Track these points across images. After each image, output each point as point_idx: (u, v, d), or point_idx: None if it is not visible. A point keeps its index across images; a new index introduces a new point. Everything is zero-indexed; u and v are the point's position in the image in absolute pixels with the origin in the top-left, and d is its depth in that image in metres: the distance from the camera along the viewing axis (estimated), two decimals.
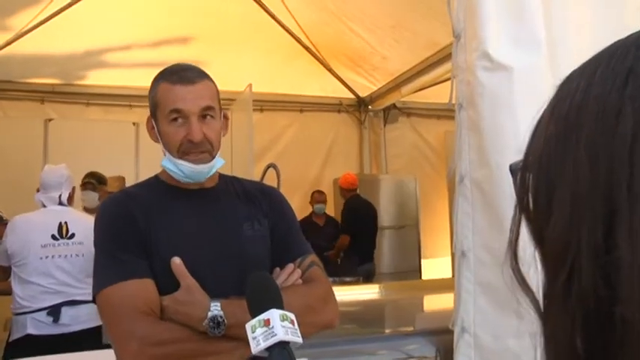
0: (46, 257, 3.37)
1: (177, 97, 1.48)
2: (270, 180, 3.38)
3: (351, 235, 6.21)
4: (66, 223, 3.46)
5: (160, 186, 1.59)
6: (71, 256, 3.42)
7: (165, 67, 1.57)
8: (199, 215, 1.55)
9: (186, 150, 1.49)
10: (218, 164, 1.56)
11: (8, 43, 5.49)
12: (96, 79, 6.38)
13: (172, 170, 1.52)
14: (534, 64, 1.81)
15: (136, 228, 1.47)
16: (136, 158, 6.22)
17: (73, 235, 3.45)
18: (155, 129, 1.55)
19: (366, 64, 6.59)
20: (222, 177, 1.66)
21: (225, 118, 1.62)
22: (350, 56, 6.52)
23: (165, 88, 1.50)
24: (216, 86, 1.57)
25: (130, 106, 6.47)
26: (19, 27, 5.43)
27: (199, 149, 1.50)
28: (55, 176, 3.59)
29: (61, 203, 3.55)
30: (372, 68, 6.67)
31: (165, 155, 1.55)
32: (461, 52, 1.95)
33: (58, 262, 3.38)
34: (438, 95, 6.27)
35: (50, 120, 6.17)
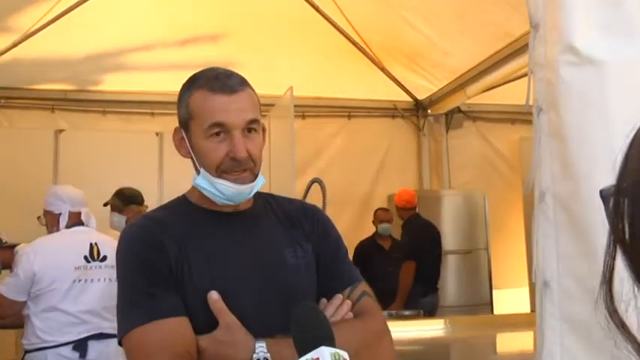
0: (79, 281, 3.54)
1: (219, 109, 1.50)
2: (315, 197, 3.38)
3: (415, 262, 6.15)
4: (96, 244, 3.65)
5: (189, 208, 1.61)
6: (104, 280, 3.59)
7: (198, 71, 1.59)
8: (235, 242, 1.56)
9: (227, 168, 1.51)
10: (260, 183, 1.58)
11: (14, 45, 5.63)
12: (113, 84, 6.51)
13: (209, 191, 1.54)
14: (633, 57, 1.77)
15: (166, 258, 1.48)
16: (160, 173, 6.31)
17: (105, 258, 3.64)
18: (186, 142, 1.57)
19: (424, 61, 6.57)
20: (258, 196, 1.67)
21: (263, 130, 1.64)
22: (406, 52, 6.51)
23: (204, 97, 1.52)
24: (257, 96, 1.60)
25: (152, 114, 6.60)
26: (26, 27, 5.57)
27: (242, 167, 1.52)
28: (78, 193, 3.81)
29: (81, 223, 3.74)
30: (431, 66, 6.63)
31: (198, 173, 1.56)
32: (539, 44, 1.92)
33: (89, 286, 3.55)
34: (511, 96, 6.18)
35: (61, 131, 6.32)
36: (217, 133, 1.50)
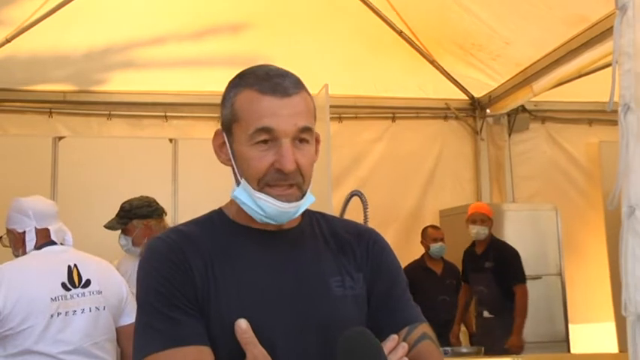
0: (58, 315, 3.30)
1: (268, 112, 1.50)
2: (354, 212, 3.36)
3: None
4: (75, 266, 3.43)
5: (224, 224, 1.62)
6: (90, 310, 3.38)
7: (249, 67, 1.60)
8: (273, 266, 1.56)
9: (271, 181, 1.52)
10: (307, 203, 1.59)
11: (7, 41, 5.71)
12: (120, 83, 6.58)
13: (248, 206, 1.55)
14: None
15: (192, 279, 1.50)
16: (174, 186, 6.33)
17: (88, 283, 3.41)
18: (227, 147, 1.58)
19: (481, 51, 6.52)
20: (306, 213, 1.68)
21: (317, 141, 1.64)
22: (460, 42, 6.48)
23: (252, 98, 1.53)
24: (313, 101, 1.61)
25: (165, 117, 6.64)
26: (21, 20, 5.65)
27: (288, 182, 1.52)
28: (46, 205, 3.63)
29: (53, 242, 3.53)
30: (490, 57, 6.59)
31: (238, 184, 1.57)
32: (627, 29, 1.89)
33: (72, 320, 3.33)
34: (589, 92, 6.13)
35: (61, 138, 6.37)
36: (264, 141, 1.51)
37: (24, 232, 3.52)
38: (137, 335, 1.51)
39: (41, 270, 3.41)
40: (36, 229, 3.52)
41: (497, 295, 6.17)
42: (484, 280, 6.31)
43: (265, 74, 1.54)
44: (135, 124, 6.79)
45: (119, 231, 4.43)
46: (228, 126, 1.57)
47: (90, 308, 3.38)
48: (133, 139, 6.62)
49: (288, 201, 1.52)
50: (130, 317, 3.44)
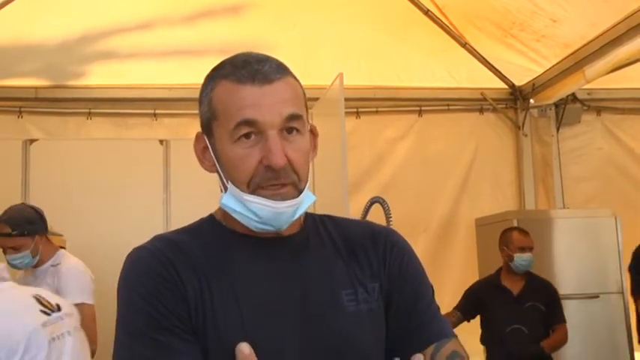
0: (56, 338, 3.42)
1: (248, 102, 1.50)
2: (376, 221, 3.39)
3: None
4: (38, 294, 3.54)
5: (216, 232, 1.62)
6: (75, 330, 3.54)
7: (227, 58, 1.59)
8: (277, 279, 1.56)
9: (263, 182, 1.51)
10: (307, 202, 1.58)
11: None
12: (101, 77, 6.61)
13: (239, 213, 1.54)
14: None
15: (184, 295, 1.49)
16: (166, 193, 6.31)
17: (59, 307, 3.53)
18: (210, 151, 1.59)
19: (523, 32, 6.50)
20: (309, 217, 1.68)
21: (314, 134, 1.64)
22: (497, 22, 6.46)
23: (229, 90, 1.53)
24: (301, 86, 1.60)
25: (154, 115, 6.64)
26: None
27: (280, 180, 1.51)
28: None
29: None
30: (534, 38, 6.57)
31: (225, 190, 1.58)
32: None
33: (67, 342, 3.45)
34: None
35: (32, 141, 6.38)
36: (247, 135, 1.50)
37: None
38: None
39: (16, 301, 3.49)
40: None
41: None
42: None
43: (242, 61, 1.53)
44: (119, 124, 6.79)
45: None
46: (208, 126, 1.57)
47: (69, 331, 3.50)
48: (117, 140, 6.64)
49: (284, 199, 1.50)
50: None
